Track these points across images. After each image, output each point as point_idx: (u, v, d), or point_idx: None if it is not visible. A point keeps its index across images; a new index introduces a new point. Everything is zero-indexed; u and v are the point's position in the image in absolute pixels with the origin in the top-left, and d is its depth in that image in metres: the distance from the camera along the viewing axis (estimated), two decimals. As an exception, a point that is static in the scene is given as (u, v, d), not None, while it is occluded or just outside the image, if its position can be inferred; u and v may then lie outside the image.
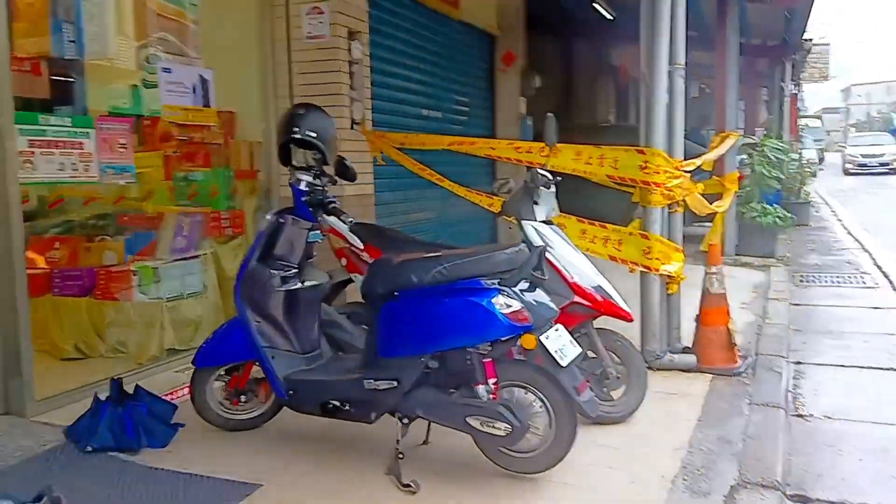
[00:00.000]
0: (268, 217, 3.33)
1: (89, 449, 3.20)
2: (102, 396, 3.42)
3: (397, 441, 3.02)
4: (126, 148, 4.05)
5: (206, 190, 4.98)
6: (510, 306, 2.82)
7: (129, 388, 3.53)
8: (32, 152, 3.53)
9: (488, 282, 2.88)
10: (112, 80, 6.06)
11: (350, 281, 4.16)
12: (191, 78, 4.53)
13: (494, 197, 4.79)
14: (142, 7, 5.93)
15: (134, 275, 4.52)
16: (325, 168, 3.33)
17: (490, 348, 2.91)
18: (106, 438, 3.23)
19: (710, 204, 5.18)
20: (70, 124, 3.73)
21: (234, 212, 5.09)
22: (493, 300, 2.82)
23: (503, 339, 2.86)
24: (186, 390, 3.61)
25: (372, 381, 3.01)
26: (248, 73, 5.31)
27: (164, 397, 3.71)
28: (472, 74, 8.56)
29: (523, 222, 3.68)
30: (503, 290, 2.85)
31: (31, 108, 5.55)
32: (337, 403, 3.11)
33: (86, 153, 3.80)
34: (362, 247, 4.02)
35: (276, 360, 3.25)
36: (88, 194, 4.67)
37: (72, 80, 6.03)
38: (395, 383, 2.97)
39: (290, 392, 3.21)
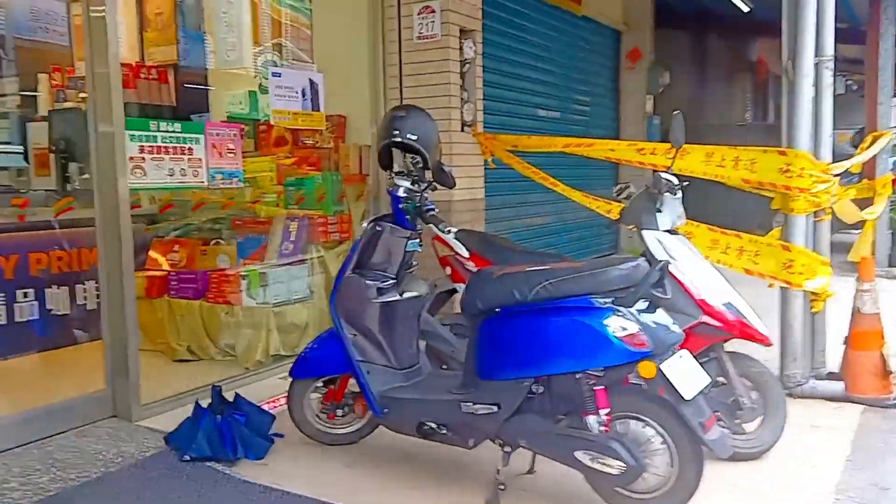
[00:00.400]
0: (364, 225, 3.17)
1: (187, 458, 3.16)
2: (204, 403, 3.39)
3: (498, 470, 2.77)
4: (235, 153, 4.03)
5: (315, 194, 4.93)
6: (625, 329, 2.50)
7: (234, 394, 3.48)
8: (143, 158, 3.56)
9: (601, 300, 2.57)
10: (232, 86, 6.20)
11: (455, 291, 3.95)
12: (300, 82, 4.48)
13: (613, 203, 4.43)
14: (260, 13, 6.03)
15: (243, 279, 4.53)
16: (425, 173, 3.13)
17: (602, 374, 2.60)
18: (203, 448, 3.18)
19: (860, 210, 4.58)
20: (180, 130, 3.74)
21: (342, 216, 5.01)
22: (606, 321, 2.51)
23: (617, 365, 2.54)
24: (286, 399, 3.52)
25: (470, 404, 2.77)
26: (358, 76, 5.24)
27: (265, 405, 3.65)
28: (594, 72, 8.17)
29: (644, 232, 3.32)
30: (618, 311, 2.53)
31: (155, 114, 5.78)
32: (433, 425, 2.90)
33: (195, 158, 3.80)
34: (467, 255, 3.80)
35: (372, 375, 3.08)
36: (199, 199, 4.74)
37: (195, 86, 6.22)
38: (495, 408, 2.72)
39: (385, 410, 3.03)
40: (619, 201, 3.98)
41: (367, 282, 3.07)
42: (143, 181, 3.55)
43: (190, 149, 3.77)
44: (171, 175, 3.68)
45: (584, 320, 2.53)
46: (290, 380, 3.43)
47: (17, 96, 6.84)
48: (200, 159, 3.82)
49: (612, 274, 2.58)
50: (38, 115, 6.34)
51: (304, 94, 4.47)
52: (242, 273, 4.53)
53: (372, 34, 5.17)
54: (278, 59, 5.90)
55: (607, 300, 2.57)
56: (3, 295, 4.73)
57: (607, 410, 2.60)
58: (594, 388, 2.60)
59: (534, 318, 2.64)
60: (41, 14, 6.07)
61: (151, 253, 5.19)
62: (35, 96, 6.52)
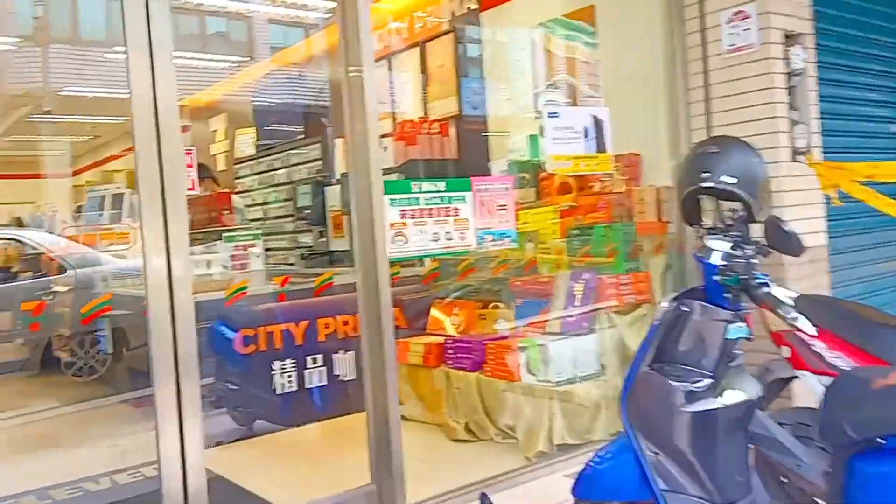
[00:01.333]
0: (663, 304, 2.34)
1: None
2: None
3: None
4: (506, 210, 3.48)
5: (603, 248, 4.20)
6: None
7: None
8: (405, 223, 3.16)
9: None
10: (513, 131, 5.79)
11: (795, 377, 2.91)
12: (581, 121, 3.81)
13: None
14: (548, 54, 5.56)
15: (521, 350, 3.94)
16: (750, 230, 2.23)
17: None
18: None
19: None
20: (444, 189, 3.29)
21: (638, 274, 4.19)
22: None
23: None
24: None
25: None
26: (653, 106, 4.42)
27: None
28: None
29: None
30: None
31: (439, 168, 5.56)
32: None
33: (462, 220, 3.32)
34: (815, 333, 2.75)
35: (683, 511, 2.23)
36: (465, 265, 4.27)
37: (476, 135, 5.93)
38: None
39: (706, 565, 2.16)
40: None
41: (672, 382, 2.23)
42: (403, 249, 3.14)
43: (456, 209, 3.30)
44: (435, 240, 3.24)
45: None
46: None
47: (318, 162, 7.24)
48: (467, 220, 3.33)
49: None
50: (334, 180, 6.59)
51: (586, 135, 3.79)
52: (521, 344, 3.94)
53: (668, 54, 4.33)
54: (562, 98, 5.35)
55: None
56: (293, 362, 4.75)
57: None
58: None
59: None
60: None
61: (433, 313, 4.89)
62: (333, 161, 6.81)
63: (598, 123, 3.85)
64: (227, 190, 5.82)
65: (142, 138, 2.59)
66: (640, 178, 4.57)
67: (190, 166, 2.90)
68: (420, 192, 3.21)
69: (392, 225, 3.12)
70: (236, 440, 4.63)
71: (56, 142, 11.61)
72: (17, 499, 3.67)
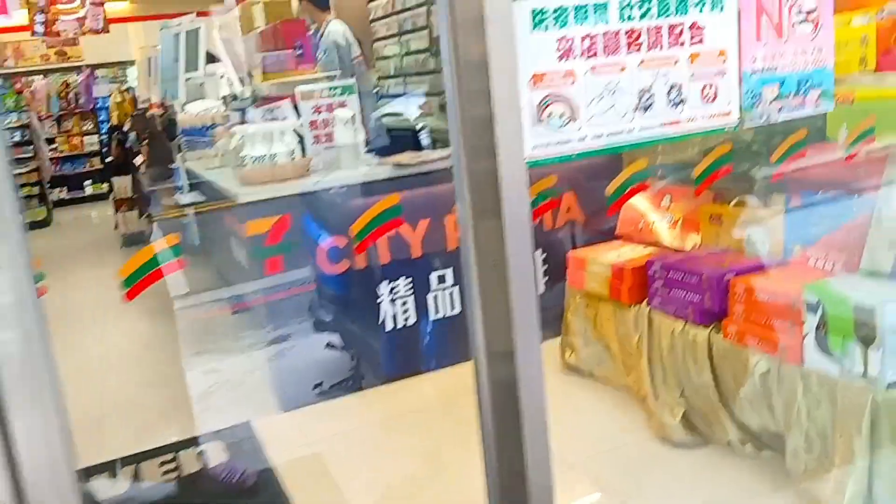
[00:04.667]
0: None
1: None
2: None
3: None
4: (815, 22, 1.46)
5: None
6: None
7: None
8: (569, 72, 1.29)
9: None
10: None
11: None
12: None
13: None
14: None
15: (810, 307, 2.02)
16: None
17: None
18: None
19: None
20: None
21: None
22: None
23: None
24: None
25: None
26: None
27: None
28: None
29: None
30: None
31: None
32: None
33: (709, 53, 1.38)
34: None
35: None
36: (708, 161, 2.22)
37: None
38: None
39: None
40: None
41: None
42: (563, 137, 1.29)
43: (696, 28, 1.36)
44: (644, 108, 1.35)
45: None
46: None
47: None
48: (723, 52, 1.38)
49: None
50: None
51: None
52: (808, 294, 2.02)
53: None
54: None
55: None
56: (409, 281, 3.19)
57: None
58: None
59: None
60: None
61: (630, 204, 3.04)
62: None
63: None
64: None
65: None
66: None
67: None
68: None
69: (536, 79, 1.27)
70: (339, 384, 3.28)
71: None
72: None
